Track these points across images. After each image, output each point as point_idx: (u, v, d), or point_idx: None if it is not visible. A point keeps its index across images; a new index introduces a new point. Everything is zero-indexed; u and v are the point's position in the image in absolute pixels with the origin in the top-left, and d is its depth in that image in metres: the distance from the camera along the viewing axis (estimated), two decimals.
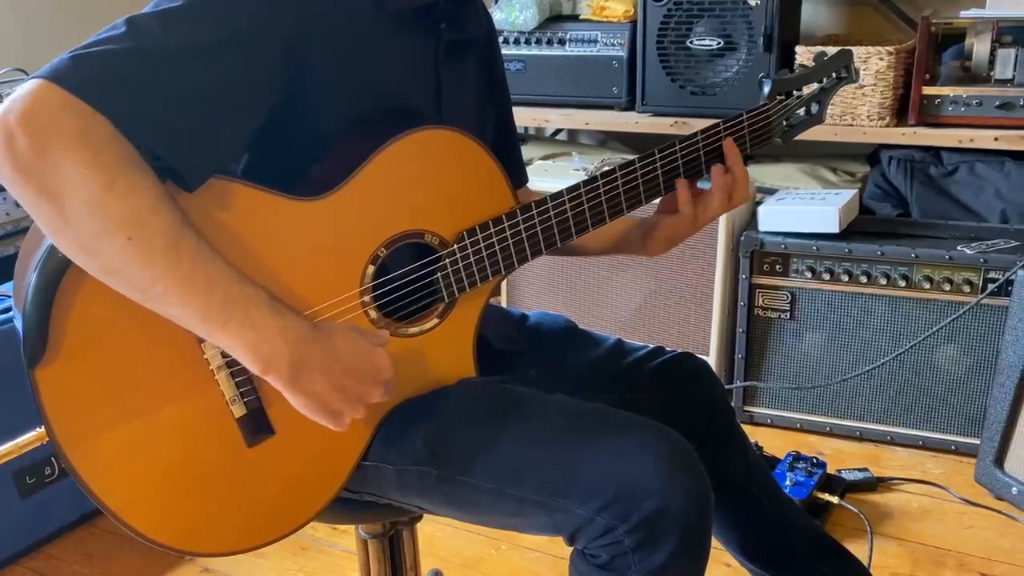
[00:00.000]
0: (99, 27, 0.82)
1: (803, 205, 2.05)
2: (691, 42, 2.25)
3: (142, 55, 0.80)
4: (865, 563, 1.53)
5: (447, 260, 1.01)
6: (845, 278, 2.01)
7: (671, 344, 1.52)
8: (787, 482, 1.81)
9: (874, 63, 2.09)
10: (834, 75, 1.19)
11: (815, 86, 1.19)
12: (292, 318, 0.87)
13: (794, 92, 1.16)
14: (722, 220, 2.10)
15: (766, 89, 1.14)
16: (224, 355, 0.91)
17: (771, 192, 2.27)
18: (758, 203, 2.15)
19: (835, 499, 1.82)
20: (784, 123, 1.16)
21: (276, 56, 0.88)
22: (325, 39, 0.92)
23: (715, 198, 1.10)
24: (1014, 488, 1.81)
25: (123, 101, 0.78)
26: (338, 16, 0.94)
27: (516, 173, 1.25)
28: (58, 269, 0.83)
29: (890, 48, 2.09)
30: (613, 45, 2.39)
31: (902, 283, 1.97)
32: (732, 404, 1.40)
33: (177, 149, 0.82)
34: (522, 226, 1.03)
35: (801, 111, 1.18)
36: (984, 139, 2.04)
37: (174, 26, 0.82)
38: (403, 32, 1.00)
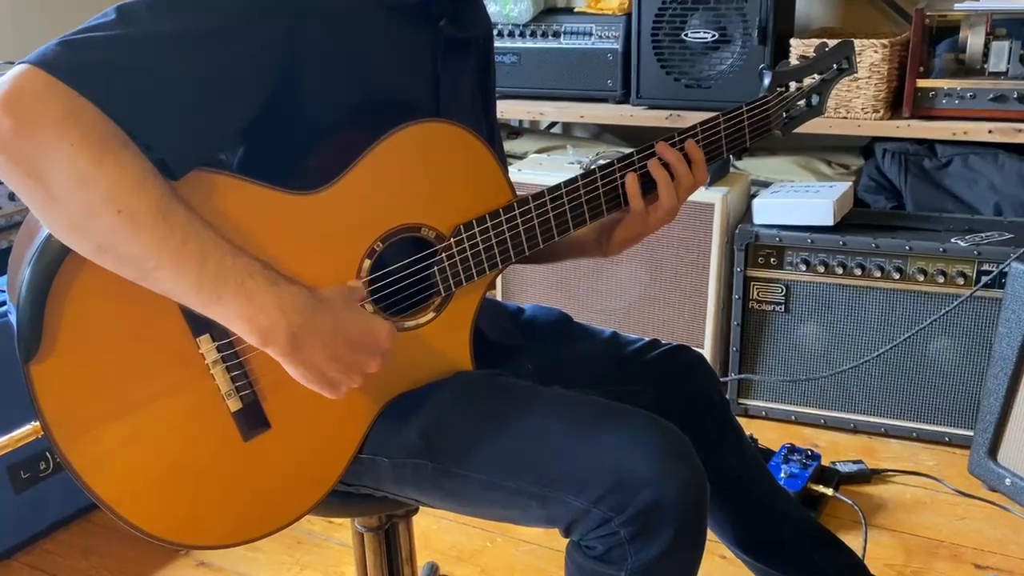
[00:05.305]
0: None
1: (798, 198, 2.05)
2: (686, 35, 2.25)
3: (130, 42, 0.80)
4: (859, 554, 1.54)
5: (444, 254, 1.01)
6: (839, 271, 2.02)
7: (666, 337, 1.52)
8: (782, 474, 1.82)
9: (868, 56, 2.09)
10: (835, 66, 1.19)
11: (816, 77, 1.18)
12: (288, 288, 0.86)
13: (794, 84, 1.16)
14: (717, 213, 2.10)
15: (766, 81, 1.13)
16: (219, 349, 0.91)
17: (766, 185, 2.27)
18: (753, 196, 2.16)
19: (829, 491, 1.82)
20: (784, 115, 1.16)
21: (269, 47, 0.88)
22: (321, 30, 0.92)
23: (663, 194, 1.07)
24: (1007, 479, 1.82)
25: (108, 86, 0.78)
26: (334, 7, 0.93)
27: None
28: (52, 264, 0.83)
29: (884, 41, 2.09)
30: (608, 38, 2.38)
31: (896, 275, 1.97)
32: (727, 397, 1.40)
33: (161, 136, 0.81)
34: (519, 220, 1.03)
35: (801, 103, 1.17)
36: (978, 132, 2.04)
37: (164, 14, 0.82)
38: (401, 25, 1.00)
